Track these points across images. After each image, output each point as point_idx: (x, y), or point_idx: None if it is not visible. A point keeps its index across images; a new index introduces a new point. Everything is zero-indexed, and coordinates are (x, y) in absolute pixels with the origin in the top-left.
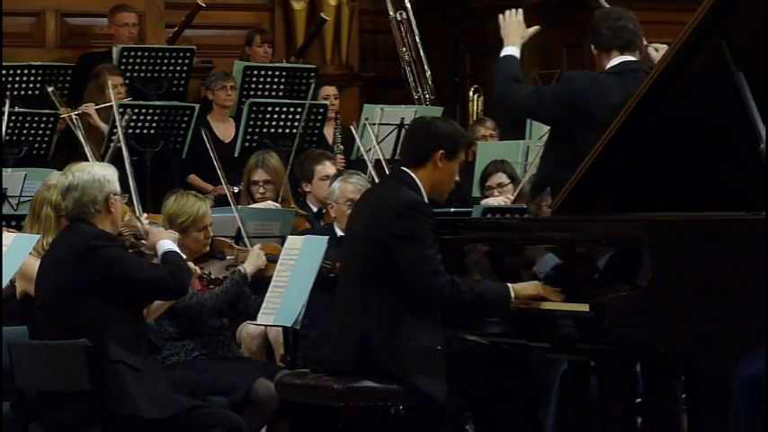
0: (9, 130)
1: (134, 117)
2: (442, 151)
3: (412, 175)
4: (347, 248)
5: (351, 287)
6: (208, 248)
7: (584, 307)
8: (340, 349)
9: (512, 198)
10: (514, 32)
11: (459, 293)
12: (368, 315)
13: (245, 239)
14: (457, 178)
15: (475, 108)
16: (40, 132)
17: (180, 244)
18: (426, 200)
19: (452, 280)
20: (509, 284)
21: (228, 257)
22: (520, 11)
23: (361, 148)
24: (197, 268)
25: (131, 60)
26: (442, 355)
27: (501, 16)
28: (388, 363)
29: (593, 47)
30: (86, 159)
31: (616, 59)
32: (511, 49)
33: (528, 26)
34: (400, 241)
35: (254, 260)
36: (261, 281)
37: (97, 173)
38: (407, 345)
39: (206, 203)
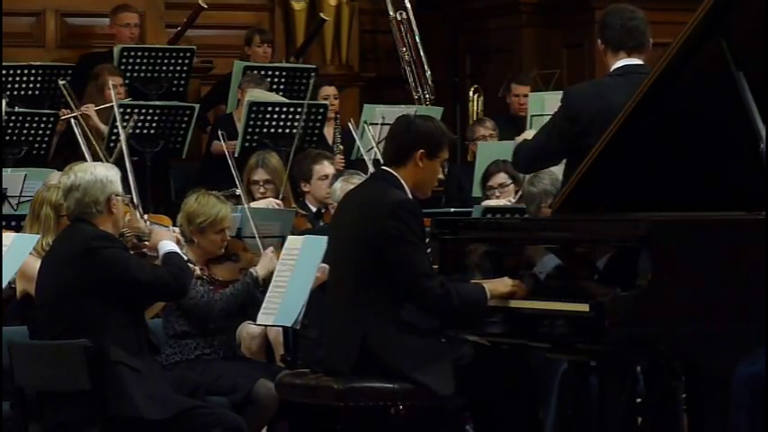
0: (9, 130)
1: (136, 117)
2: (422, 150)
3: (395, 174)
4: (335, 249)
5: (345, 288)
6: (222, 251)
7: (584, 307)
8: (339, 350)
9: (513, 200)
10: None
11: (449, 297)
12: (366, 314)
13: (257, 240)
14: (441, 176)
15: (475, 108)
16: (40, 132)
17: (196, 244)
18: (412, 198)
19: (442, 283)
20: (484, 285)
21: (242, 260)
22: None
23: (361, 148)
24: (196, 268)
25: (131, 60)
26: (447, 348)
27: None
28: (390, 361)
29: (599, 41)
30: (86, 160)
31: (622, 62)
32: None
33: (527, 26)
34: (391, 242)
35: (266, 264)
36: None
37: (99, 173)
38: (409, 340)
39: (227, 206)
